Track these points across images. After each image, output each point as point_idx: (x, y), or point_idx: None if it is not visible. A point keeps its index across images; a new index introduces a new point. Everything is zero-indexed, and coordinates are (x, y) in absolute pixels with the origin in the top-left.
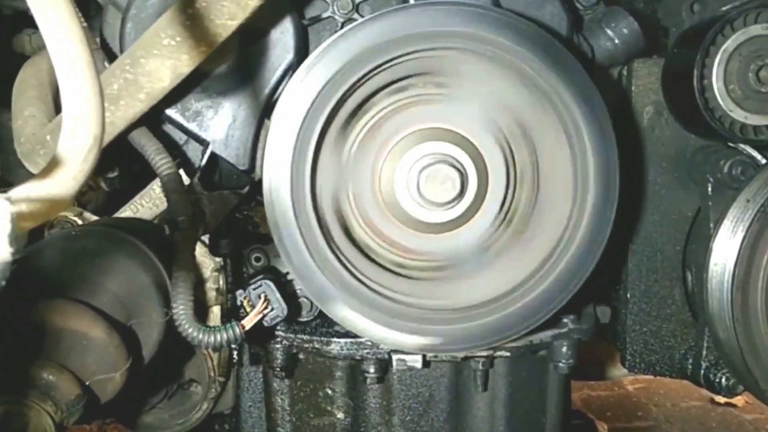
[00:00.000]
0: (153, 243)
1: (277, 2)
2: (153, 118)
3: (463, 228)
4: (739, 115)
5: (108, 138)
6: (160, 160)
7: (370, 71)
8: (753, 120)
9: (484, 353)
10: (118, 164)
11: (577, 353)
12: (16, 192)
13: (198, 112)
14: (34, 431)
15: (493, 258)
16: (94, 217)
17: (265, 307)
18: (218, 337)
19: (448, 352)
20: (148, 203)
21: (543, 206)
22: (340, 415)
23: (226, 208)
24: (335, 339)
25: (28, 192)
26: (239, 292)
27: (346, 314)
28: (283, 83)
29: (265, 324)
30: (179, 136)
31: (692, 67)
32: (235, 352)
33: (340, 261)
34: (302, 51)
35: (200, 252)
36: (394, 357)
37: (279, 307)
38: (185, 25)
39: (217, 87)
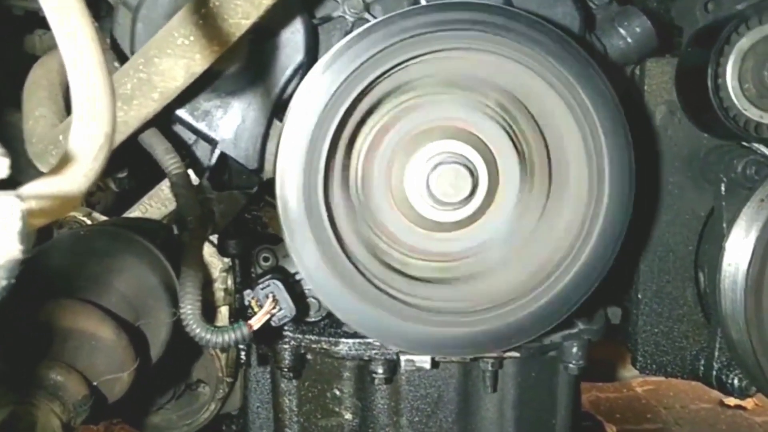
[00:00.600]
0: (161, 243)
1: (288, 2)
2: (162, 118)
3: (470, 229)
4: (753, 114)
5: (121, 137)
6: (169, 159)
7: (384, 72)
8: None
9: (494, 354)
10: (128, 165)
11: (588, 354)
12: (27, 189)
13: (207, 111)
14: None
15: (495, 266)
16: (103, 218)
17: (273, 307)
18: (226, 337)
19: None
20: (156, 203)
21: (558, 205)
22: (348, 416)
23: (235, 208)
24: (343, 339)
25: (39, 189)
26: (247, 291)
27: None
28: (293, 83)
29: (273, 324)
30: (188, 136)
31: (706, 65)
32: (242, 353)
33: (352, 262)
34: (312, 51)
35: (209, 252)
36: (403, 358)
37: (287, 307)
38: (198, 24)
39: (226, 87)
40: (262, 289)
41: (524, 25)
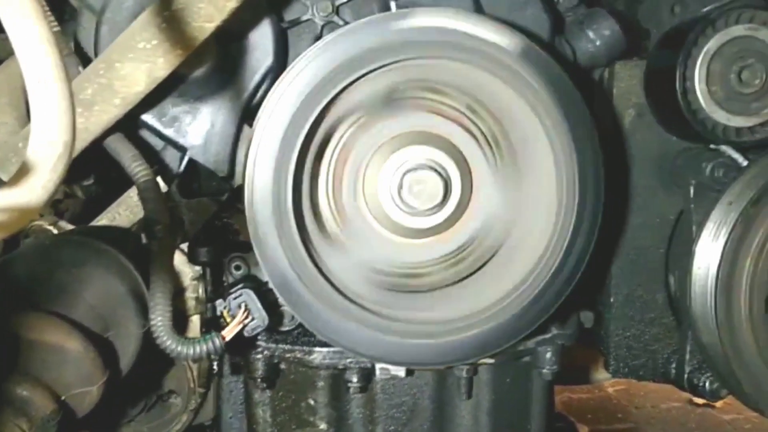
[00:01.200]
0: (130, 252)
1: (256, 5)
2: (129, 124)
3: (441, 237)
4: (721, 116)
5: (82, 144)
6: (136, 167)
7: (357, 78)
8: (735, 122)
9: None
10: (94, 171)
11: (561, 359)
12: None
13: (175, 117)
14: None
15: (465, 275)
16: (70, 226)
17: (246, 317)
18: (198, 348)
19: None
20: (125, 211)
21: (529, 212)
22: (323, 426)
23: (205, 215)
24: (317, 348)
25: None
26: (219, 302)
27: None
28: (263, 87)
29: (246, 334)
30: (156, 142)
31: (674, 68)
32: (215, 363)
33: (320, 271)
34: (282, 54)
35: (179, 260)
36: (378, 366)
37: (260, 317)
38: (161, 27)
39: (194, 92)
40: (234, 298)
41: (491, 31)
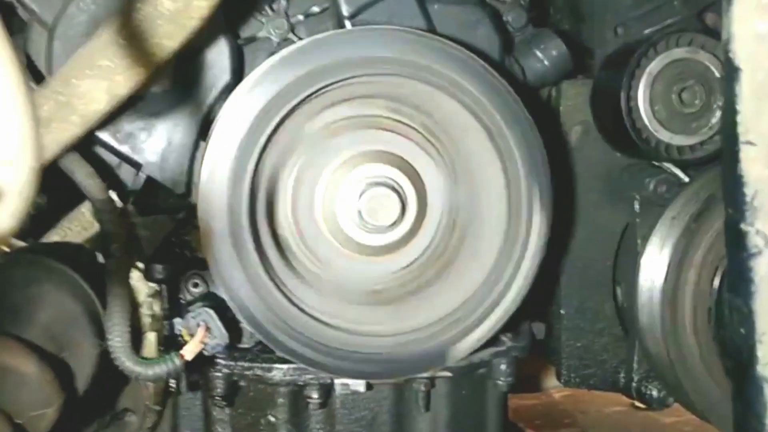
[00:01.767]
0: (84, 269)
1: (212, 22)
2: (84, 141)
3: (400, 252)
4: (664, 135)
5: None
6: (92, 185)
7: (311, 94)
8: (677, 140)
9: (426, 374)
10: (45, 187)
11: (516, 370)
12: None
13: (131, 134)
14: None
15: (419, 290)
16: (21, 243)
17: (206, 336)
18: (157, 369)
19: (384, 380)
20: (77, 227)
21: (480, 230)
22: None
23: (162, 233)
24: (277, 365)
25: None
26: (177, 320)
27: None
28: (220, 103)
29: (206, 353)
30: (111, 159)
31: (619, 89)
32: (172, 381)
33: (274, 282)
34: (238, 71)
35: (134, 277)
36: (337, 382)
37: (220, 335)
38: (121, 45)
39: (150, 108)
40: (193, 317)
41: (444, 51)
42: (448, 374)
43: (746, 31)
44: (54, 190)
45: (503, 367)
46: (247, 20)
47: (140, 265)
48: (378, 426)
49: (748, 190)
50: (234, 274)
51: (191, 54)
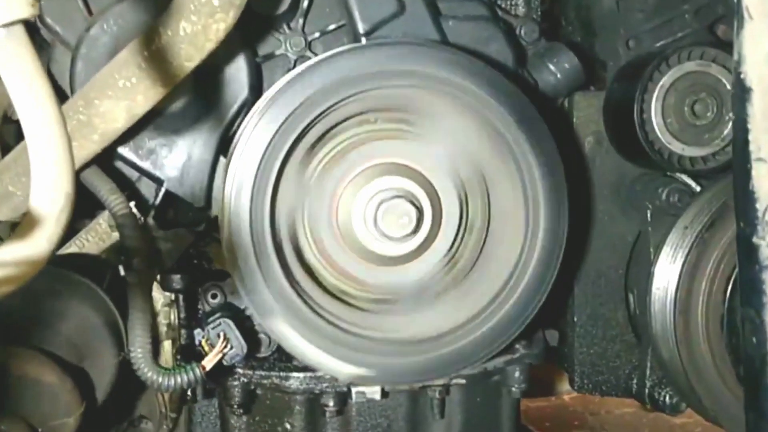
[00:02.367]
0: (103, 281)
1: (231, 40)
2: (105, 156)
3: (412, 264)
4: (676, 147)
5: None
6: (114, 200)
7: (328, 108)
8: (689, 152)
9: (441, 381)
10: None
11: (529, 377)
12: None
13: (152, 150)
14: None
15: (435, 297)
16: None
17: (225, 347)
18: (179, 379)
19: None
20: (94, 238)
21: (493, 246)
22: None
23: (182, 246)
24: (294, 374)
25: (3, 257)
26: (197, 331)
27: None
28: (238, 120)
29: (225, 363)
30: (131, 173)
31: (632, 101)
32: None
33: (289, 280)
34: (256, 88)
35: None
36: (354, 390)
37: (239, 346)
38: (141, 66)
39: (171, 125)
40: (212, 328)
41: (461, 64)
42: (462, 381)
43: (757, 53)
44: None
45: (517, 374)
46: (265, 38)
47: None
48: None
49: (760, 205)
50: (257, 286)
51: (210, 71)
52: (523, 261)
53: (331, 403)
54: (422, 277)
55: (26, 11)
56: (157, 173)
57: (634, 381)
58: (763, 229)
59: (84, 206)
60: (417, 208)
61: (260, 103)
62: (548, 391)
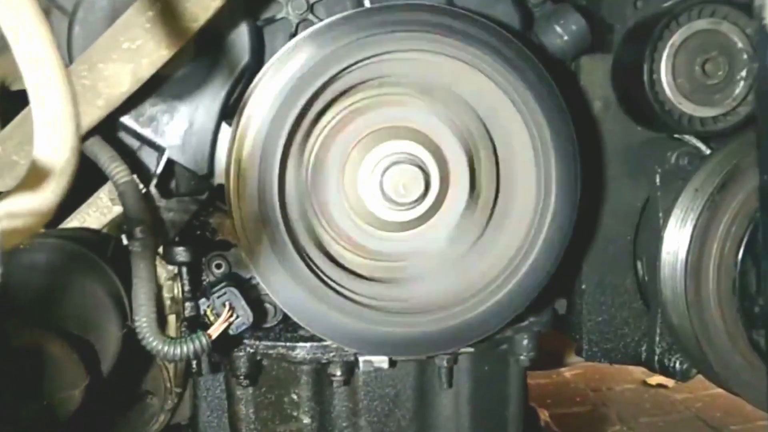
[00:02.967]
0: (106, 253)
1: (232, 4)
2: (106, 125)
3: (419, 230)
4: (687, 107)
5: None
6: (115, 168)
7: (337, 74)
8: (700, 112)
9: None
10: None
11: (537, 345)
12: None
13: (153, 117)
14: None
15: (444, 266)
16: (42, 229)
17: (231, 315)
18: (185, 348)
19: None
20: (95, 212)
21: (503, 211)
22: (307, 420)
23: (186, 215)
24: (300, 344)
25: (10, 208)
26: (202, 300)
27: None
28: (240, 85)
29: (231, 332)
30: (133, 143)
31: (641, 61)
32: (194, 362)
33: (304, 260)
34: (258, 52)
35: None
36: (361, 359)
37: (244, 314)
38: (145, 28)
39: (172, 91)
40: (218, 297)
41: (471, 26)
42: (471, 350)
43: None
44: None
45: (525, 342)
46: (266, 1)
47: (160, 248)
48: (401, 402)
49: None
50: (264, 253)
51: (211, 36)
52: (535, 227)
53: (339, 373)
54: (430, 245)
55: None
56: (159, 141)
57: (644, 348)
58: None
59: (84, 187)
60: (424, 172)
61: (266, 69)
62: (558, 363)
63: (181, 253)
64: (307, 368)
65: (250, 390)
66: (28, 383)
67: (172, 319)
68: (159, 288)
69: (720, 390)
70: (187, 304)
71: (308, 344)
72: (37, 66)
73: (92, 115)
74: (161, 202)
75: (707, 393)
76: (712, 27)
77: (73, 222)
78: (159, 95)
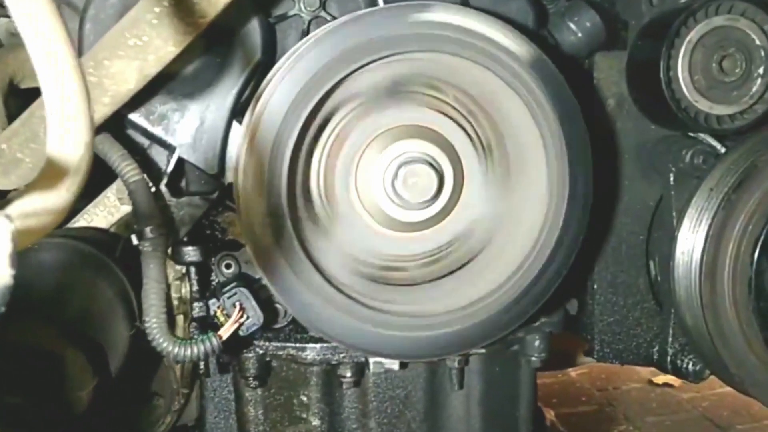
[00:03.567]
0: (114, 254)
1: (243, 0)
2: (115, 123)
3: (430, 231)
4: (704, 105)
5: None
6: (125, 167)
7: (350, 73)
8: (717, 110)
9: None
10: None
11: (549, 346)
12: (13, 208)
13: (163, 115)
14: None
15: (454, 268)
16: None
17: (241, 316)
18: (195, 349)
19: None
20: (102, 211)
21: (520, 205)
22: (316, 422)
23: (196, 214)
24: (310, 345)
25: (24, 207)
26: (213, 301)
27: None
28: (252, 83)
29: (241, 333)
30: (143, 141)
31: (658, 59)
32: (201, 363)
33: (315, 266)
34: (269, 50)
35: None
36: (371, 360)
37: (255, 315)
38: (152, 24)
39: (182, 89)
40: (228, 297)
41: (480, 24)
42: (482, 351)
43: None
44: None
45: (537, 343)
46: None
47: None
48: (412, 404)
49: None
50: (273, 257)
51: (222, 33)
52: (548, 228)
53: (349, 374)
54: (441, 246)
55: None
56: (169, 139)
57: (656, 348)
58: None
59: (91, 186)
60: (437, 171)
61: (281, 65)
62: (568, 363)
63: (190, 253)
64: (317, 369)
65: (260, 391)
66: (34, 384)
67: (180, 319)
68: (168, 288)
69: (727, 389)
70: (196, 305)
71: (318, 345)
72: (51, 62)
73: (99, 113)
74: (171, 201)
75: (714, 392)
76: (730, 23)
77: (80, 222)
78: (169, 93)
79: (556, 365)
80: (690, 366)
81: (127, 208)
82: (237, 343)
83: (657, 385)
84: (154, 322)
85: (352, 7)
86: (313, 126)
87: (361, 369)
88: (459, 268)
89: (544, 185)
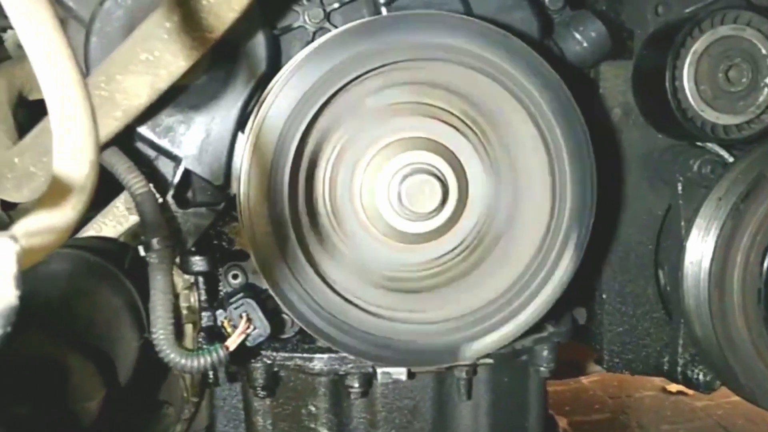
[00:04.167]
0: (122, 263)
1: (249, 13)
2: (123, 136)
3: (434, 243)
4: (710, 115)
5: None
6: (132, 179)
7: (350, 81)
8: (723, 120)
9: (467, 361)
10: None
11: (557, 356)
12: (18, 228)
13: (169, 127)
14: None
15: (458, 278)
16: None
17: (248, 327)
18: (202, 361)
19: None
20: (111, 221)
21: (522, 216)
22: None
23: (202, 225)
24: (318, 355)
25: (29, 226)
26: (219, 312)
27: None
28: (257, 95)
29: (248, 344)
30: (149, 153)
31: (663, 68)
32: (210, 373)
33: (320, 275)
34: (274, 62)
35: None
36: (379, 370)
37: (262, 326)
38: (163, 39)
39: (188, 101)
40: (235, 308)
41: (485, 35)
42: (489, 361)
43: None
44: None
45: (545, 353)
46: (283, 10)
47: (176, 258)
48: (420, 415)
49: None
50: (277, 268)
51: (228, 45)
52: (550, 236)
53: (356, 384)
54: (446, 256)
55: None
56: (176, 151)
57: (666, 359)
58: None
59: (97, 197)
60: (442, 182)
61: (282, 75)
62: (578, 372)
63: (198, 263)
64: (325, 380)
65: (268, 401)
66: (43, 394)
67: (188, 328)
68: (176, 297)
69: None
70: (204, 314)
71: (326, 355)
72: (55, 80)
73: (110, 127)
74: (178, 212)
75: (728, 400)
76: (736, 33)
77: (89, 231)
78: (176, 106)
79: (567, 374)
80: (700, 376)
81: (135, 218)
82: (245, 354)
83: (671, 392)
84: (161, 334)
85: (356, 18)
86: (314, 135)
87: (368, 379)
88: (464, 277)
89: (548, 192)
